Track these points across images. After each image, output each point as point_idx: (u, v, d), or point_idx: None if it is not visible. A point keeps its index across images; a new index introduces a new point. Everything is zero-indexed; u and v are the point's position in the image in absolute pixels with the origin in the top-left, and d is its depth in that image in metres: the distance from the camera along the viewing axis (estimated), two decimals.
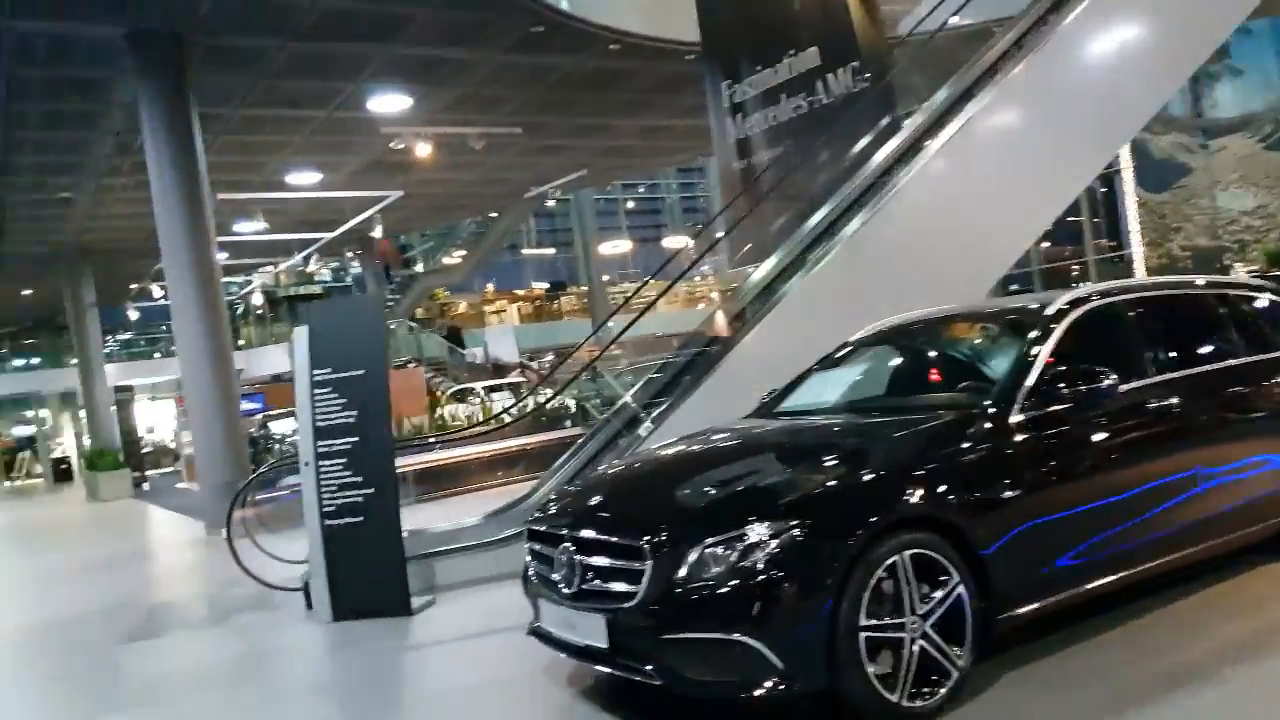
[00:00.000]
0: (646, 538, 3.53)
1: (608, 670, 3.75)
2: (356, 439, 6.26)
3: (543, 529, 4.14)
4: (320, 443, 6.32)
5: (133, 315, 29.61)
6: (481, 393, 21.05)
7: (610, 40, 12.89)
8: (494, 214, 27.94)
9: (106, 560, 11.15)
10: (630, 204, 43.45)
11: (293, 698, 4.97)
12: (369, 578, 6.18)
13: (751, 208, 10.42)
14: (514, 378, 23.41)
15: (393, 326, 28.30)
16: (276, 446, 18.76)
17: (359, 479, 6.24)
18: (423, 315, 32.17)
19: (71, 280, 22.76)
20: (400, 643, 5.66)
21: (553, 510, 4.32)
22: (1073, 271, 23.10)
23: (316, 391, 6.37)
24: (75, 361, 32.28)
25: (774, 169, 10.30)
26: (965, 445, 3.80)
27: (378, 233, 17.86)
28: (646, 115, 16.76)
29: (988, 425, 3.87)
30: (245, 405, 17.90)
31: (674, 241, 38.51)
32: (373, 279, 26.59)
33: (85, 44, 10.83)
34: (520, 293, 39.90)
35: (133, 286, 27.41)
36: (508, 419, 13.86)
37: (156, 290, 23.85)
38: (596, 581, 3.71)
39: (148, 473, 23.42)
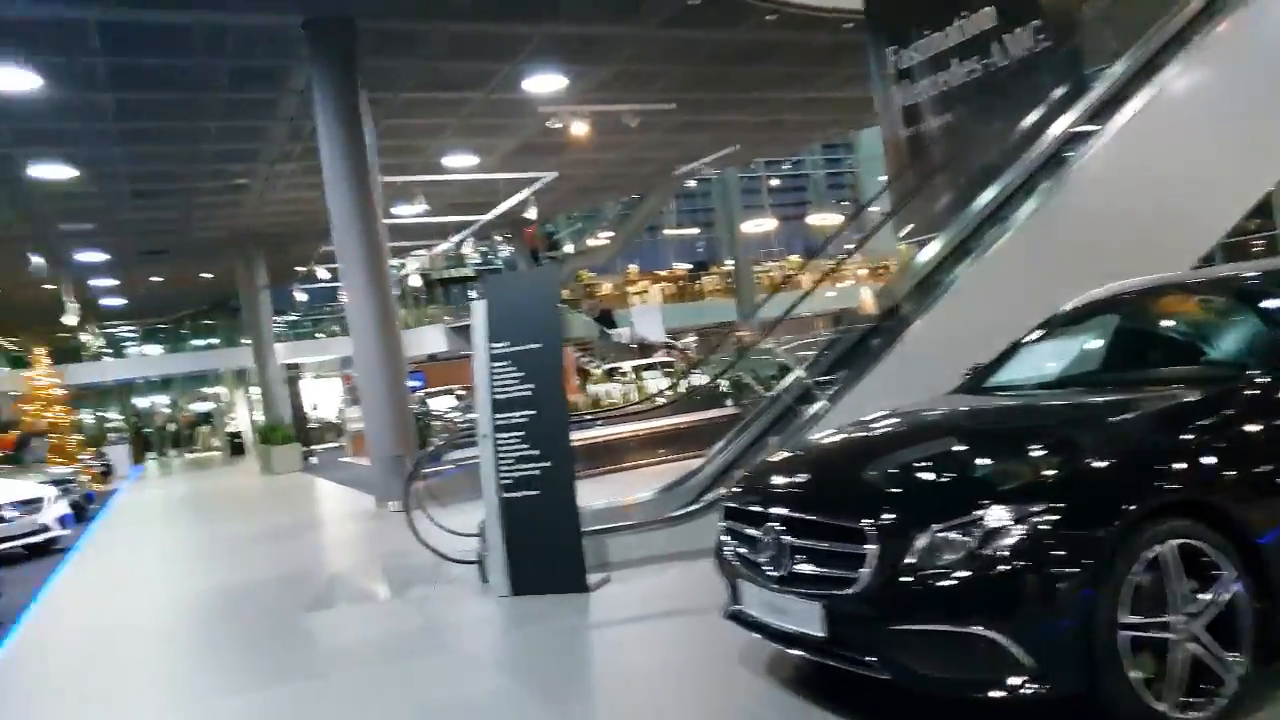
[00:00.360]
0: (868, 520, 3.28)
1: (823, 661, 3.53)
2: (533, 412, 6.24)
3: (744, 507, 3.95)
4: (498, 415, 6.34)
5: (300, 297, 31.10)
6: (630, 372, 21.16)
7: (767, 11, 12.55)
8: (636, 195, 28.00)
9: (286, 530, 11.69)
10: (774, 181, 42.74)
11: (478, 673, 4.95)
12: (546, 553, 6.17)
13: (921, 178, 9.96)
14: (660, 357, 23.42)
15: None
16: (435, 423, 19.31)
17: (536, 452, 6.22)
18: (568, 296, 32.63)
19: (246, 263, 24.05)
20: (581, 621, 5.59)
21: (754, 488, 4.11)
22: (1253, 247, 21.24)
23: (494, 364, 6.39)
24: (247, 341, 34.33)
25: (945, 137, 9.81)
26: (1229, 422, 3.39)
27: (531, 214, 18.09)
28: (801, 88, 16.32)
29: (1257, 399, 3.44)
30: (407, 383, 18.56)
31: (819, 219, 37.78)
32: (523, 261, 27.08)
33: (266, 33, 11.29)
34: (662, 273, 39.96)
35: (298, 269, 28.78)
36: (661, 399, 13.80)
37: (322, 273, 24.96)
38: (809, 565, 3.49)
39: (314, 447, 24.60)
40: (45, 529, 11.65)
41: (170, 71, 12.04)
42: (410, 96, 13.90)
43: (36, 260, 18.67)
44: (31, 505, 11.64)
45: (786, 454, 4.40)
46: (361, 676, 5.04)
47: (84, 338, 33.81)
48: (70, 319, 25.38)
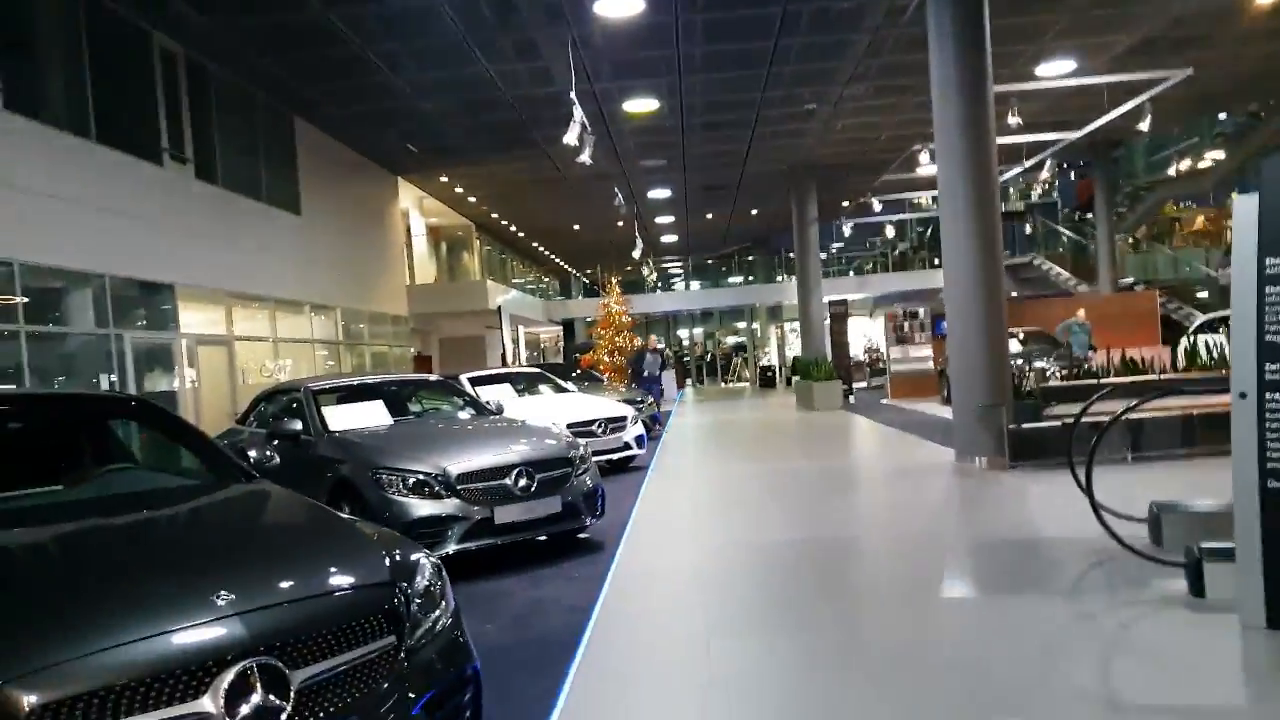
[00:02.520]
0: None
1: None
2: None
3: None
4: (1269, 366, 4.34)
5: (845, 231, 30.58)
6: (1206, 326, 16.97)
7: None
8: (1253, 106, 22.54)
9: (858, 476, 10.77)
10: None
11: None
12: None
13: None
14: None
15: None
16: None
17: None
18: (1145, 235, 27.99)
19: (799, 197, 23.75)
20: None
21: None
22: None
23: (1268, 290, 4.38)
24: (780, 278, 34.92)
25: None
26: None
27: (1144, 125, 14.78)
28: None
29: None
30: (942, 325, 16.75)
31: None
32: (1102, 187, 23.44)
33: None
34: None
35: (844, 204, 28.11)
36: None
37: (876, 205, 23.92)
38: None
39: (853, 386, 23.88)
40: (627, 447, 12.10)
41: None
42: None
43: (619, 198, 20.02)
44: (617, 424, 12.13)
45: None
46: None
47: (644, 271, 37.01)
48: (636, 253, 27.52)
